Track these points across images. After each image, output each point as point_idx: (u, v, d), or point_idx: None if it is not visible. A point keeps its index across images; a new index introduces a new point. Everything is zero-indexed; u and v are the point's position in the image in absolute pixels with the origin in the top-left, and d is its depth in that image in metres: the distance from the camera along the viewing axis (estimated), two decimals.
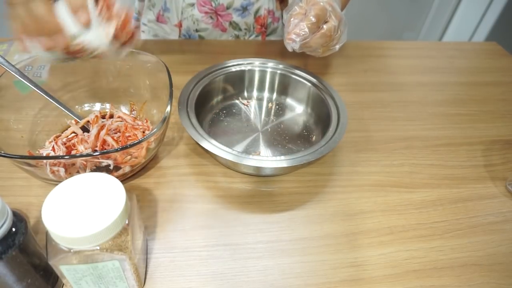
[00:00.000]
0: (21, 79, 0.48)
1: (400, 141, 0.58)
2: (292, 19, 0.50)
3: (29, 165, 0.41)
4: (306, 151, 0.46)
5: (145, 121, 0.52)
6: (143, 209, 0.45)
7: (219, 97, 0.60)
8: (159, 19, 0.80)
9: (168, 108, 0.45)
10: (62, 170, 0.41)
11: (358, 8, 1.59)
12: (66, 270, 0.31)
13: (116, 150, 0.41)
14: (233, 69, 0.60)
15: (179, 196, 0.47)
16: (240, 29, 0.77)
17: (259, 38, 0.80)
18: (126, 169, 0.44)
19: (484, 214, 0.48)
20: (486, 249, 0.44)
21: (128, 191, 0.31)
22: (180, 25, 0.78)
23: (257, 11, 0.75)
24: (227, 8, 0.73)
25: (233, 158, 0.44)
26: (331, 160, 0.53)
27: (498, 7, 1.60)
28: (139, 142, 0.41)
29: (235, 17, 0.75)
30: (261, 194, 0.48)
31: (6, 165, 0.48)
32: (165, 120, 0.44)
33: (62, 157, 0.40)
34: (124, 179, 0.47)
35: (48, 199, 0.30)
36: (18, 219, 0.31)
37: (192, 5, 0.74)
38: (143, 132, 0.50)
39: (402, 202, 0.48)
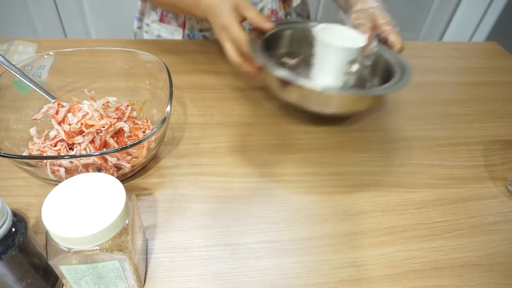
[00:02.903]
0: (22, 78, 0.48)
1: (400, 141, 0.58)
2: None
3: (29, 165, 0.41)
4: (383, 87, 0.49)
5: (146, 120, 0.52)
6: (143, 209, 0.45)
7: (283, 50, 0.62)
8: (162, 19, 0.80)
9: (168, 108, 0.45)
10: (62, 170, 0.41)
11: None
12: (66, 270, 0.31)
13: (116, 150, 0.41)
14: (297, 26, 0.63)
15: (179, 196, 0.47)
16: (244, 29, 0.77)
17: None
18: (126, 169, 0.44)
19: (484, 214, 0.48)
20: (486, 249, 0.44)
21: (128, 191, 0.31)
22: (183, 25, 0.78)
23: (260, 11, 0.75)
24: None
25: (315, 87, 0.45)
26: (331, 160, 0.53)
27: (498, 7, 1.60)
28: (139, 142, 0.41)
29: None
30: (261, 194, 0.48)
31: (6, 165, 0.48)
32: (165, 120, 0.44)
33: (62, 157, 0.40)
34: (124, 179, 0.47)
35: (48, 199, 0.30)
36: (18, 219, 0.31)
37: None
38: (144, 131, 0.50)
39: (402, 202, 0.48)
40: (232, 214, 0.45)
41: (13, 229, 0.30)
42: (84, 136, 0.46)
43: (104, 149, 0.46)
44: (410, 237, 0.44)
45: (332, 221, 0.45)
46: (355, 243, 0.43)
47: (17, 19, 1.49)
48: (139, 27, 0.84)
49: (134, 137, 0.49)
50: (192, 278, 0.39)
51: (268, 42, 0.56)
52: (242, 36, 0.52)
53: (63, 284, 0.37)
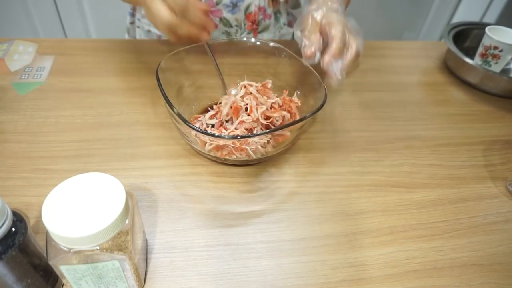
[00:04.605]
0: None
1: (400, 141, 0.58)
2: (305, 41, 0.50)
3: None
4: None
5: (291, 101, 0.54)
6: (143, 209, 0.45)
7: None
8: None
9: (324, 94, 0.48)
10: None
11: (358, 8, 1.59)
12: (66, 270, 0.31)
13: (288, 126, 0.46)
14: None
15: (179, 196, 0.47)
16: (231, 26, 0.76)
17: (251, 35, 0.80)
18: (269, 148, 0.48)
19: (484, 214, 0.48)
20: (486, 249, 0.44)
21: (128, 191, 0.31)
22: None
23: (247, 8, 0.74)
24: (217, 4, 0.73)
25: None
26: (331, 160, 0.53)
27: (498, 7, 1.60)
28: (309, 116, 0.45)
29: (225, 13, 0.74)
30: (261, 194, 0.48)
31: (6, 165, 0.48)
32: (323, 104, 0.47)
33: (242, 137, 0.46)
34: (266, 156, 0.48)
35: (48, 199, 0.30)
36: (18, 219, 0.31)
37: None
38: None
39: (402, 202, 0.48)
40: (232, 214, 0.45)
41: (13, 229, 0.30)
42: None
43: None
44: (410, 237, 0.44)
45: (332, 221, 0.45)
46: (355, 243, 0.43)
47: (17, 19, 1.49)
48: (132, 23, 0.84)
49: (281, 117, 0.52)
50: (192, 278, 0.39)
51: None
52: None
53: (63, 284, 0.37)
